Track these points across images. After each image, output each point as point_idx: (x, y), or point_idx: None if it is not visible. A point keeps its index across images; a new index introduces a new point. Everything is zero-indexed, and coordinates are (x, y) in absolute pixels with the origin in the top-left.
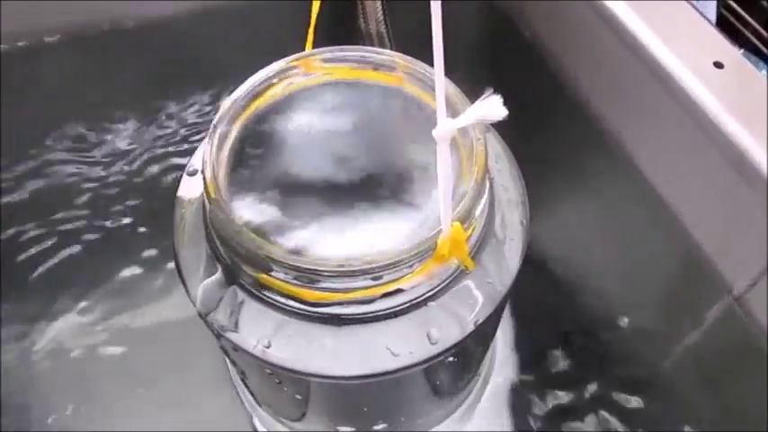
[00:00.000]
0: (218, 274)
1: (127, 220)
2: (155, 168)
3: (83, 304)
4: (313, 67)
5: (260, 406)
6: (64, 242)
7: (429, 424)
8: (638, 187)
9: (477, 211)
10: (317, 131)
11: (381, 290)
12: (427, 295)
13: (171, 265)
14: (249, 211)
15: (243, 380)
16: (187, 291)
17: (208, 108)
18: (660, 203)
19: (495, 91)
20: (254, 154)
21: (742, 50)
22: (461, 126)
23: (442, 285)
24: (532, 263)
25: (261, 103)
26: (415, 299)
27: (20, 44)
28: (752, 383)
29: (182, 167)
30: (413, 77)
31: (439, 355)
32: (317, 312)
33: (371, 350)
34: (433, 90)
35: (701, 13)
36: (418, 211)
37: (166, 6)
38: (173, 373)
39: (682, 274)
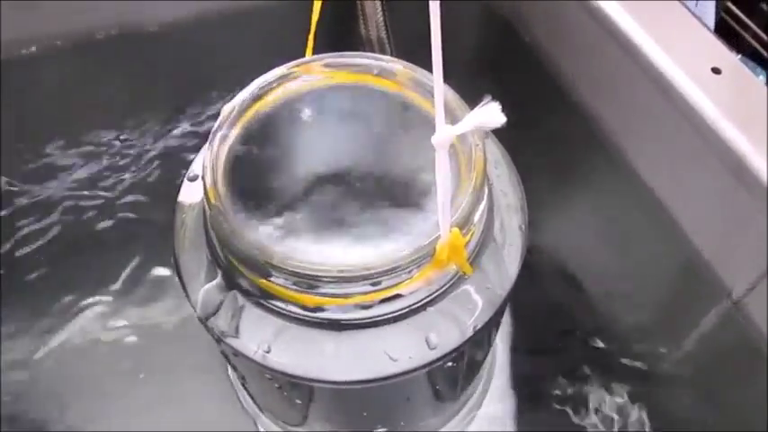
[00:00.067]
0: (219, 280)
1: (131, 223)
2: (156, 172)
3: (83, 307)
4: (313, 73)
5: (261, 410)
6: (66, 244)
7: (429, 428)
8: (638, 192)
9: (476, 217)
10: (317, 137)
11: (380, 295)
12: (426, 300)
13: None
14: (249, 216)
15: (243, 384)
16: (187, 296)
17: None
18: (659, 208)
19: (494, 96)
20: (254, 159)
21: (740, 56)
22: (460, 133)
23: (441, 290)
24: (532, 267)
25: (261, 108)
26: (414, 304)
27: (21, 52)
28: (751, 386)
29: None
30: (412, 83)
31: (438, 360)
32: (317, 317)
33: (371, 355)
34: (433, 96)
35: (700, 20)
36: (417, 216)
37: (166, 13)
38: (173, 377)
39: (681, 278)
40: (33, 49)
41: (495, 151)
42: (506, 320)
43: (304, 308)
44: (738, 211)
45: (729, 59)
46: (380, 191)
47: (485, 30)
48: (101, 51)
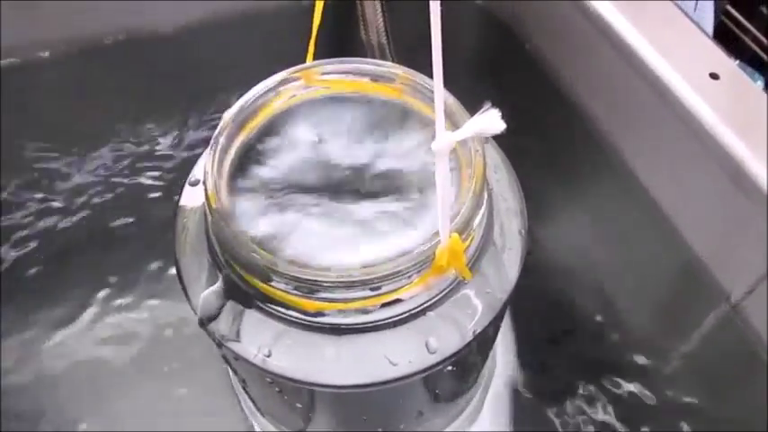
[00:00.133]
0: (220, 284)
1: (132, 228)
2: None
3: (84, 309)
4: (313, 78)
5: (261, 414)
6: (68, 246)
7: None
8: (637, 196)
9: (476, 222)
10: (318, 143)
11: (380, 300)
12: (426, 305)
13: (173, 272)
14: (250, 221)
15: (244, 388)
16: (188, 300)
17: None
18: (658, 212)
19: (494, 101)
20: (255, 164)
21: (737, 62)
22: (460, 139)
23: (441, 295)
24: (532, 271)
25: (262, 114)
26: (414, 309)
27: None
28: (750, 389)
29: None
30: (412, 89)
31: (438, 364)
32: (317, 322)
33: (370, 359)
34: (433, 102)
35: (698, 25)
36: (417, 222)
37: (168, 18)
38: (174, 381)
39: (680, 282)
40: (36, 54)
41: (494, 156)
42: (506, 322)
43: (304, 312)
44: (737, 215)
45: (727, 65)
46: (380, 196)
47: (484, 35)
48: (103, 57)
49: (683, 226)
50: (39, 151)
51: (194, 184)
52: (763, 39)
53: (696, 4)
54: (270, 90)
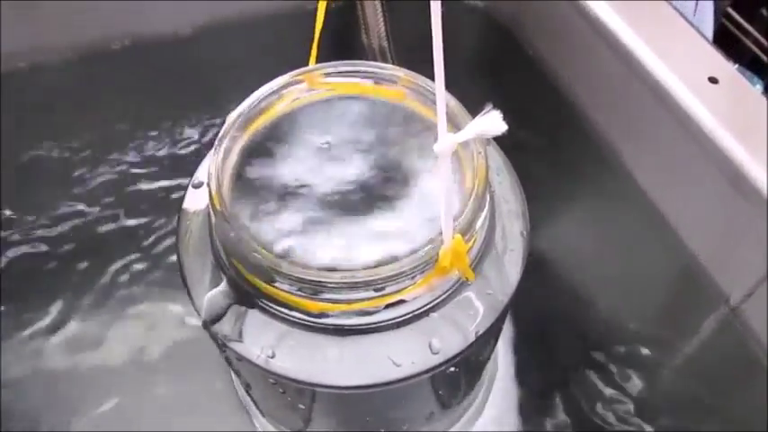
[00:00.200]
0: (223, 285)
1: (135, 230)
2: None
3: (85, 311)
4: (316, 81)
5: (264, 416)
6: (69, 248)
7: None
8: (636, 199)
9: (478, 224)
10: (320, 145)
11: (384, 301)
12: (429, 306)
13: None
14: (254, 223)
15: (247, 391)
16: (192, 301)
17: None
18: (657, 215)
19: (495, 104)
20: (258, 167)
21: (736, 66)
22: (462, 141)
23: (444, 296)
24: (532, 273)
25: (265, 116)
26: (417, 310)
27: (20, 65)
28: (749, 391)
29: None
30: (414, 92)
31: (441, 365)
32: (321, 323)
33: (374, 360)
34: (435, 104)
35: (697, 29)
36: (420, 223)
37: (166, 25)
38: (176, 384)
39: (679, 285)
40: (38, 59)
41: (496, 158)
42: (506, 325)
43: (308, 313)
44: (736, 219)
45: (726, 69)
46: (383, 198)
47: (485, 39)
48: (104, 62)
49: (682, 229)
50: (41, 153)
51: (197, 186)
52: (763, 41)
53: (696, 7)
54: (273, 93)
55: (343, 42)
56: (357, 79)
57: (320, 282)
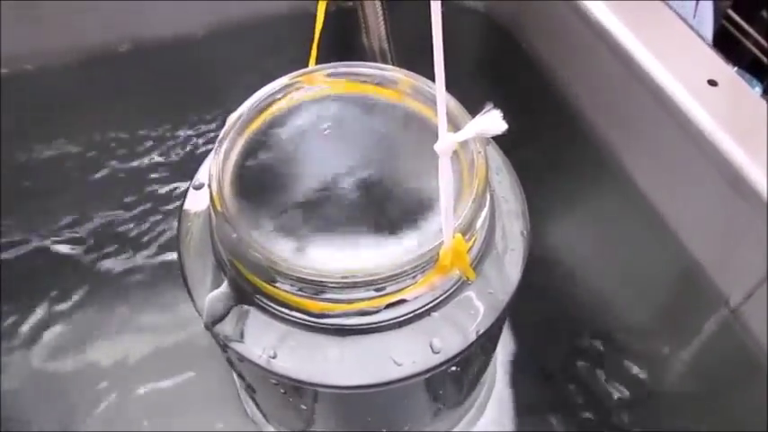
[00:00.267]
0: (224, 286)
1: (135, 231)
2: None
3: (85, 310)
4: (316, 82)
5: (266, 417)
6: (69, 251)
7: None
8: (636, 201)
9: (479, 223)
10: (321, 146)
11: (385, 301)
12: (430, 306)
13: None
14: (254, 223)
15: (249, 392)
16: (193, 302)
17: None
18: (657, 217)
19: (495, 104)
20: (259, 168)
21: (735, 68)
22: (462, 140)
23: (445, 296)
24: (532, 276)
25: (266, 117)
26: (418, 309)
27: (24, 67)
28: (749, 392)
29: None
30: (414, 92)
31: (441, 364)
32: (322, 323)
33: (375, 360)
34: (435, 104)
35: (696, 32)
36: (420, 223)
37: (167, 28)
38: (176, 384)
39: (679, 286)
40: (39, 62)
41: (496, 158)
42: (506, 326)
43: (309, 313)
44: (735, 221)
45: (726, 72)
46: (384, 198)
47: (485, 40)
48: (104, 65)
49: (682, 231)
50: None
51: (198, 187)
52: (764, 42)
53: (696, 9)
54: (273, 94)
55: (344, 44)
56: (357, 80)
57: (321, 282)
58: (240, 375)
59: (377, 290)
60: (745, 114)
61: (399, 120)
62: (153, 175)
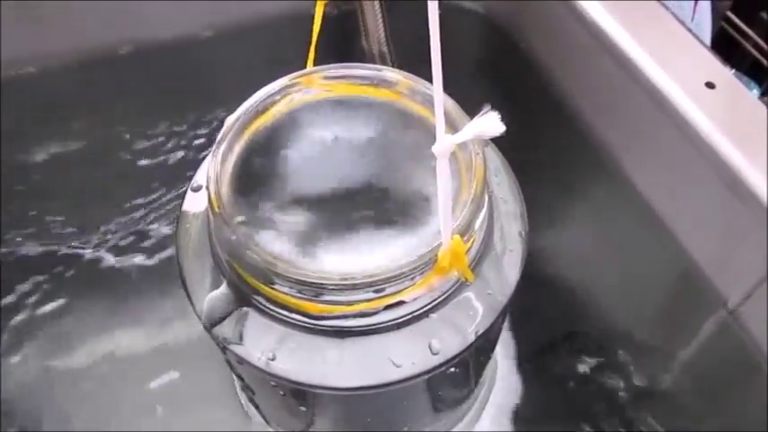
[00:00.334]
0: (223, 288)
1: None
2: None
3: (84, 309)
4: (314, 83)
5: (265, 419)
6: (69, 251)
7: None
8: (634, 202)
9: (477, 224)
10: (319, 147)
11: (383, 302)
12: (428, 307)
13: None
14: (253, 225)
15: (248, 394)
16: (192, 304)
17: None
18: (655, 219)
19: (494, 107)
20: (257, 169)
21: (733, 71)
22: (460, 142)
23: (443, 297)
24: (531, 277)
25: (264, 119)
26: (417, 311)
27: (24, 69)
28: (747, 393)
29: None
30: (412, 93)
31: (440, 365)
32: (321, 325)
33: (374, 361)
34: (433, 106)
35: (694, 34)
36: (419, 224)
37: (166, 32)
38: (176, 384)
39: (677, 288)
40: (39, 65)
41: (494, 159)
42: (505, 326)
43: (308, 315)
44: (733, 222)
45: (723, 74)
46: (382, 199)
47: (484, 41)
48: (105, 67)
49: (681, 232)
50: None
51: (196, 189)
52: (763, 44)
53: (694, 11)
54: (271, 95)
55: (344, 47)
56: (356, 81)
57: (320, 283)
58: (239, 377)
59: (376, 291)
60: (743, 117)
61: (397, 121)
62: (153, 176)
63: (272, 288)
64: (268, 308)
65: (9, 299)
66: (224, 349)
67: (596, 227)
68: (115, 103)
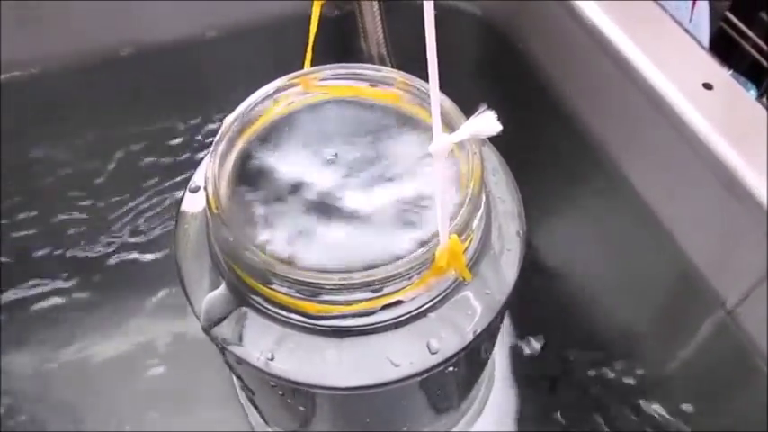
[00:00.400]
0: (222, 289)
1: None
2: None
3: (84, 309)
4: (312, 84)
5: (264, 419)
6: (70, 253)
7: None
8: (632, 203)
9: (474, 224)
10: (316, 147)
11: (381, 302)
12: (426, 306)
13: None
14: (251, 225)
15: (247, 394)
16: (191, 305)
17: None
18: (653, 219)
19: (492, 106)
20: (255, 170)
21: (730, 72)
22: (457, 141)
23: (441, 296)
24: (530, 278)
25: (261, 120)
26: (415, 310)
27: (19, 73)
28: (746, 393)
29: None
30: (410, 94)
31: (439, 364)
32: (319, 325)
33: (373, 361)
34: (430, 106)
35: (692, 36)
36: (417, 224)
37: (166, 33)
38: (176, 384)
39: (675, 288)
40: (39, 66)
41: (492, 158)
42: (505, 326)
43: (306, 315)
44: (731, 223)
45: (721, 75)
46: (380, 200)
47: (482, 42)
48: (105, 69)
49: (678, 232)
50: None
51: (195, 190)
52: (763, 45)
53: (692, 12)
54: (269, 96)
55: (343, 49)
56: (352, 82)
57: (317, 283)
58: (238, 377)
59: (374, 291)
60: (740, 117)
61: (395, 121)
62: (153, 177)
63: (271, 288)
64: (267, 308)
65: (9, 298)
66: (223, 350)
67: (594, 227)
68: (116, 104)
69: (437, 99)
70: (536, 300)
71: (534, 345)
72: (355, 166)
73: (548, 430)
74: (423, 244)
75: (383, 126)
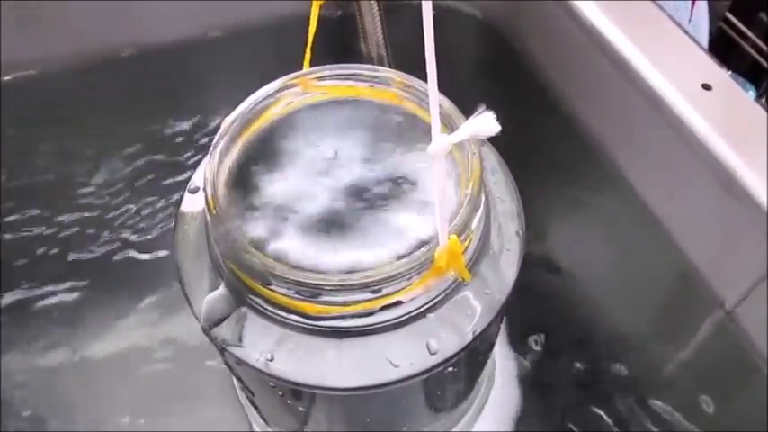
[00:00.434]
0: (221, 290)
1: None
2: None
3: (84, 309)
4: (311, 84)
5: (264, 420)
6: (71, 253)
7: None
8: (631, 204)
9: (474, 224)
10: (315, 147)
11: (381, 302)
12: (426, 307)
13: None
14: (250, 226)
15: (247, 395)
16: (190, 306)
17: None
18: (653, 220)
19: (490, 106)
20: (254, 170)
21: (729, 72)
22: (455, 142)
23: (441, 297)
24: (530, 277)
25: (260, 120)
26: (414, 310)
27: (19, 73)
28: (745, 393)
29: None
30: (409, 94)
31: (439, 365)
32: (319, 326)
33: (372, 362)
34: (429, 106)
35: (691, 37)
36: (416, 224)
37: (166, 33)
38: (176, 384)
39: (674, 289)
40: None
41: (491, 158)
42: (504, 326)
43: (306, 316)
44: (730, 223)
45: (720, 76)
46: (379, 200)
47: (481, 42)
48: (105, 70)
49: (677, 233)
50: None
51: (194, 191)
52: (762, 45)
53: (691, 13)
54: (268, 97)
55: (342, 50)
56: (351, 82)
57: (317, 284)
58: (238, 378)
59: (373, 292)
60: (739, 118)
61: (394, 122)
62: (154, 178)
63: (270, 289)
64: (266, 309)
65: (9, 298)
66: (222, 350)
67: (593, 227)
68: (116, 105)
69: (436, 99)
70: (535, 300)
71: (534, 345)
72: (354, 167)
73: (548, 430)
74: (422, 244)
75: (382, 126)
